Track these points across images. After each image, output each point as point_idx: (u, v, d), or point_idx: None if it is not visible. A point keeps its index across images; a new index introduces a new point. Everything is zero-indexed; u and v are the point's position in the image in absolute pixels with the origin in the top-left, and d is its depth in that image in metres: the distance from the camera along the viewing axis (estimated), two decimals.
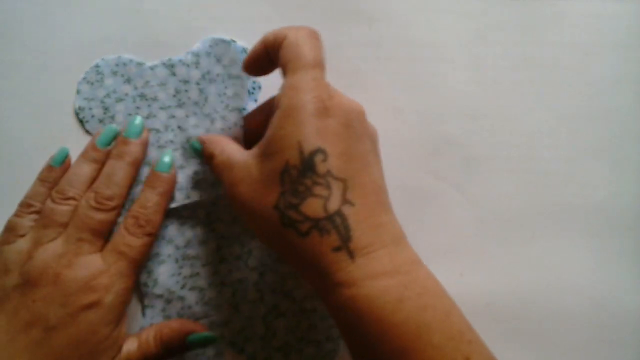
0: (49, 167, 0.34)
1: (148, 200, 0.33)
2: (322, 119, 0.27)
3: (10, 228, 0.32)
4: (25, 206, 0.33)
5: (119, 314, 0.31)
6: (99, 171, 0.34)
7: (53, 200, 0.32)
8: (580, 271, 0.34)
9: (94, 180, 0.33)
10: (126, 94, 0.36)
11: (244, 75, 0.35)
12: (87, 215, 0.32)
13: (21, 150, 0.36)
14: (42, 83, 0.37)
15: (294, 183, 0.26)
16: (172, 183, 0.34)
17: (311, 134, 0.26)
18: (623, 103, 0.36)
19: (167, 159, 0.34)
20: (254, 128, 0.34)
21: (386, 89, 0.36)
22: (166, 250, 0.35)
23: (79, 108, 0.36)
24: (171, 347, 0.32)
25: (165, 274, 0.34)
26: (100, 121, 0.36)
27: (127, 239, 0.32)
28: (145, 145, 0.35)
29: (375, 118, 0.35)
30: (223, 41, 0.36)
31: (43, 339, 0.29)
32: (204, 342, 0.33)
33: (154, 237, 0.33)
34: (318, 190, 0.26)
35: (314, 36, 0.29)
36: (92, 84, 0.36)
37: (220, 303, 0.34)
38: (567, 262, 0.35)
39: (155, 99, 0.36)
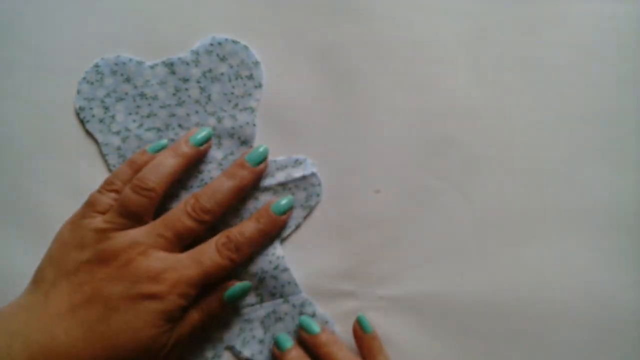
0: (143, 151, 0.34)
1: (248, 230, 0.33)
2: None
3: (90, 203, 0.32)
4: (108, 184, 0.33)
5: (177, 317, 0.31)
6: (184, 167, 0.33)
7: (132, 189, 0.32)
8: (580, 271, 0.34)
9: (177, 175, 0.33)
10: (126, 93, 0.36)
11: (254, 76, 0.35)
12: (179, 218, 0.32)
13: (21, 150, 0.36)
14: (42, 83, 0.37)
15: None
16: (278, 227, 0.34)
17: None
18: (623, 103, 0.35)
19: (285, 201, 0.34)
20: None
21: (386, 89, 0.36)
22: None
23: (80, 108, 0.36)
24: (213, 312, 0.33)
25: None
26: (101, 121, 0.36)
27: (211, 253, 0.32)
28: (259, 176, 0.34)
29: (376, 118, 0.36)
30: (225, 40, 0.36)
31: (101, 317, 0.29)
32: (242, 294, 0.33)
33: (235, 266, 0.33)
34: None
35: None
36: (92, 83, 0.36)
37: None
38: (567, 262, 0.34)
39: (155, 98, 0.36)
